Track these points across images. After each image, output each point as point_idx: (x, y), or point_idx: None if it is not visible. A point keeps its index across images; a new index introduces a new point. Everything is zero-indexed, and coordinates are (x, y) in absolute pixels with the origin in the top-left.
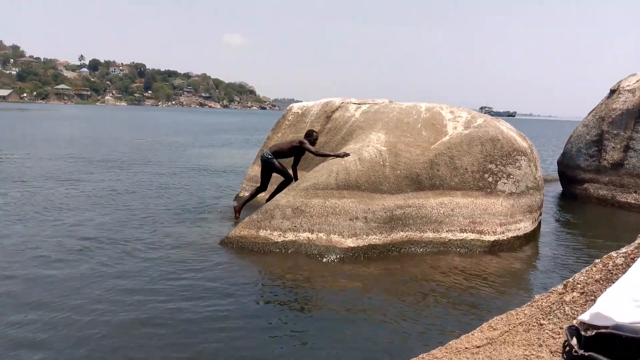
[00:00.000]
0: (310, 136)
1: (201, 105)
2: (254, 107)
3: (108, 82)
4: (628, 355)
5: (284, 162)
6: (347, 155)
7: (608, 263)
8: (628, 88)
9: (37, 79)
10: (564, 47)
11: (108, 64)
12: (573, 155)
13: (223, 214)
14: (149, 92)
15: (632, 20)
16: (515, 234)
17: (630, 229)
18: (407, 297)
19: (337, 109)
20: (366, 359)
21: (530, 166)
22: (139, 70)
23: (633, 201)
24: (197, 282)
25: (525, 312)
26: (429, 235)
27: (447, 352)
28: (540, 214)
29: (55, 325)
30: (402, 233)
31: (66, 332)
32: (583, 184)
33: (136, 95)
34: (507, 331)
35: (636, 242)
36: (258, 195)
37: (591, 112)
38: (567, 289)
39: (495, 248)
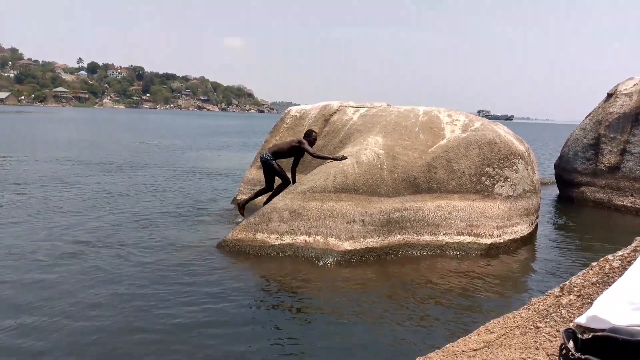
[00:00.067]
0: (310, 136)
1: (199, 108)
2: (252, 110)
3: (106, 85)
4: (625, 358)
5: (284, 163)
6: (344, 158)
7: (605, 266)
8: (625, 92)
9: (35, 81)
10: (562, 51)
11: (106, 66)
12: (570, 159)
13: (220, 217)
14: (147, 95)
15: (629, 25)
16: (512, 237)
17: (626, 232)
18: (404, 301)
19: (335, 112)
20: None
21: (527, 169)
22: (137, 73)
23: (629, 204)
24: (193, 287)
25: (522, 315)
26: (426, 238)
27: (444, 356)
28: (537, 217)
29: (48, 330)
30: (399, 236)
31: (58, 336)
32: (580, 187)
33: (134, 98)
34: (503, 334)
35: (633, 245)
36: (256, 199)
37: (588, 115)
38: (563, 292)
39: (492, 251)
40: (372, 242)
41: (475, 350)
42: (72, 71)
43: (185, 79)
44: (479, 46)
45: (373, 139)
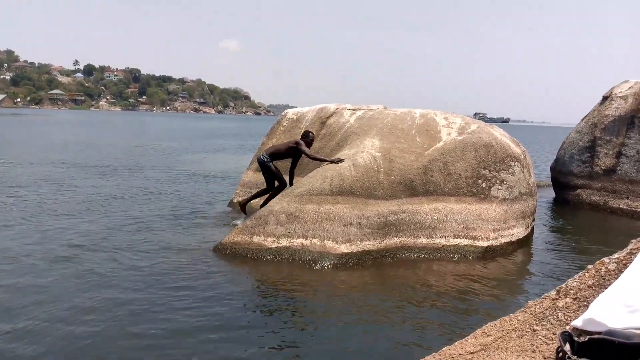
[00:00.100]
0: (307, 137)
1: (196, 110)
2: (248, 113)
3: (102, 87)
4: None
5: (284, 164)
6: (341, 161)
7: (600, 269)
8: (620, 95)
9: (31, 83)
10: (557, 54)
11: (103, 69)
12: (566, 161)
13: (217, 220)
14: (144, 97)
15: (624, 27)
16: (508, 240)
17: (622, 235)
18: (401, 304)
19: (331, 115)
20: None
21: (523, 172)
22: (133, 75)
23: (625, 207)
24: (189, 291)
25: (519, 318)
26: (423, 241)
27: (440, 358)
28: (534, 220)
29: (42, 335)
30: (396, 239)
31: (52, 341)
32: (576, 189)
33: (130, 100)
34: (500, 337)
35: (628, 247)
36: (252, 201)
37: (584, 118)
38: (560, 295)
39: (488, 254)
40: (369, 245)
41: (472, 353)
42: (68, 73)
43: (182, 81)
44: (475, 49)
45: (370, 141)
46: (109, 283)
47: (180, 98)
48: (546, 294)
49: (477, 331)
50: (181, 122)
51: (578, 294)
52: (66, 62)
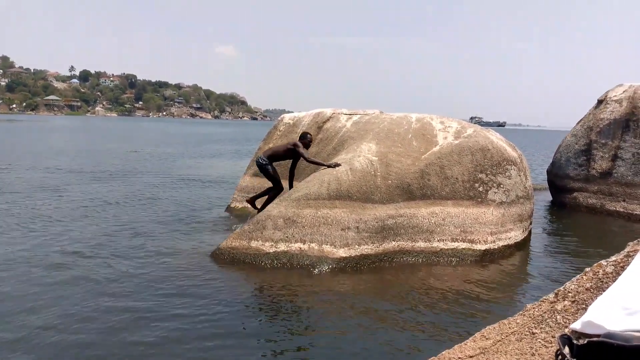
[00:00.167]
0: (305, 138)
1: (192, 116)
2: (245, 118)
3: (98, 93)
4: None
5: (284, 165)
6: (338, 165)
7: (598, 271)
8: (615, 98)
9: (26, 89)
10: (552, 59)
11: (98, 74)
12: (562, 165)
13: (214, 225)
14: (140, 102)
15: (618, 32)
16: (506, 243)
17: (619, 237)
18: (399, 308)
19: (328, 120)
20: None
21: (520, 175)
22: (129, 81)
23: (622, 209)
24: (186, 298)
25: (518, 321)
26: (421, 244)
27: None
28: (531, 223)
29: (36, 342)
30: (393, 243)
31: (46, 349)
32: (572, 192)
33: (127, 106)
34: (499, 340)
35: (625, 250)
36: (249, 206)
37: (579, 122)
38: (558, 298)
39: (486, 257)
40: (367, 249)
41: (471, 356)
42: (64, 79)
43: (178, 86)
44: (471, 53)
45: (366, 146)
46: (105, 289)
47: (176, 103)
48: (544, 297)
49: (476, 335)
50: (177, 128)
51: (576, 297)
52: (62, 68)
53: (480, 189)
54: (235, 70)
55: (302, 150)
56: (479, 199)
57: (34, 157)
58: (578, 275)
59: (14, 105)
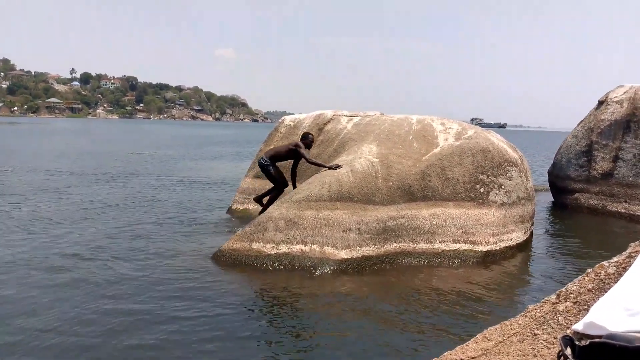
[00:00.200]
0: (306, 138)
1: (193, 118)
2: (246, 120)
3: (99, 96)
4: None
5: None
6: (339, 167)
7: (600, 272)
8: (616, 99)
9: (27, 92)
10: (553, 60)
11: (99, 77)
12: (563, 166)
13: (215, 227)
14: (141, 105)
15: (619, 33)
16: (507, 244)
17: (621, 238)
18: (401, 309)
19: (329, 121)
20: None
21: (521, 177)
22: (130, 83)
23: (623, 210)
24: (187, 300)
25: (519, 322)
26: (422, 246)
27: None
28: (532, 224)
29: (36, 345)
30: (395, 244)
31: (46, 351)
32: (574, 193)
33: (128, 108)
34: (501, 342)
35: (627, 251)
36: (251, 208)
37: (580, 123)
38: (560, 299)
39: (488, 258)
40: (369, 250)
41: (472, 358)
42: (64, 82)
43: (179, 89)
44: (472, 55)
45: (367, 147)
46: (105, 292)
47: (177, 106)
48: (546, 298)
49: (478, 336)
50: (178, 130)
51: (578, 298)
52: (63, 71)
53: (482, 190)
54: (236, 73)
55: (303, 151)
56: (480, 200)
57: (35, 159)
58: (580, 277)
59: (15, 108)
